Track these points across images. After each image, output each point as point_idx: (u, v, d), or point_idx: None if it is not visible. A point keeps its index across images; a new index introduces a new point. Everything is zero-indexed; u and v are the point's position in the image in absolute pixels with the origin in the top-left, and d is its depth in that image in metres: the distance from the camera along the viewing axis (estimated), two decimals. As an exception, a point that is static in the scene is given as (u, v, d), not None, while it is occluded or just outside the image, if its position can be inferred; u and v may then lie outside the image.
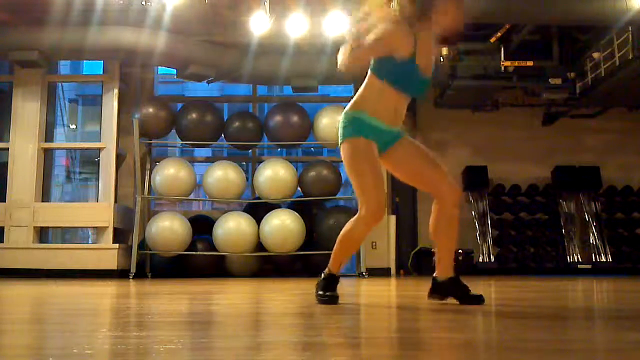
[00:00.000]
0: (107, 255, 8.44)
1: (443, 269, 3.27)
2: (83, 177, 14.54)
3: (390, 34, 3.08)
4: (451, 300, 3.25)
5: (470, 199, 10.16)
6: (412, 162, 3.32)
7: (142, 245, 8.58)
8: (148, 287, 5.94)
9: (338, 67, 3.18)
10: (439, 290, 3.29)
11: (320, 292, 3.35)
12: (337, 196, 9.29)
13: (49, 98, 9.31)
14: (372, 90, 3.22)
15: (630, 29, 7.81)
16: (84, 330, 2.35)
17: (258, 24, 7.99)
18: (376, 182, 3.18)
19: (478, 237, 9.95)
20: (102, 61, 9.27)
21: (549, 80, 8.93)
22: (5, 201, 8.68)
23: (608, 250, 9.85)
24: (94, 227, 9.30)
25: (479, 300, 3.19)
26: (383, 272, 9.23)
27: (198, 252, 8.63)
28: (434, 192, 3.26)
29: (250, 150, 9.91)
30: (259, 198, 9.13)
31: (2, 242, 8.55)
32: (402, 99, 3.23)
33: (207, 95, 11.36)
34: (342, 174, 9.49)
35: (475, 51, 8.86)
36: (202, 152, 13.55)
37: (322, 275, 3.40)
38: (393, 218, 9.60)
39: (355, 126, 3.24)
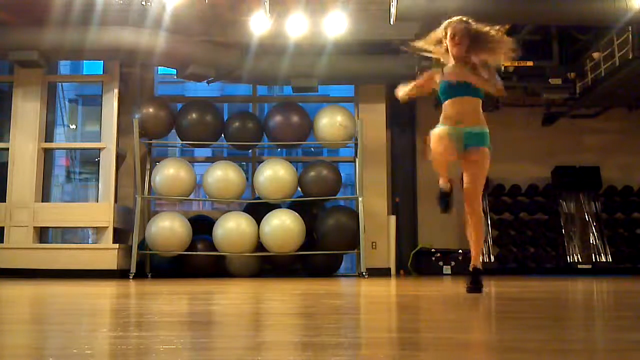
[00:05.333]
0: (107, 255, 8.44)
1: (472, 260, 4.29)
2: (83, 177, 14.52)
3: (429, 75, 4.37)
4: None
5: (470, 199, 10.14)
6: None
7: (142, 245, 8.58)
8: (148, 287, 5.94)
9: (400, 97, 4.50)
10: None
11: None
12: (337, 196, 9.29)
13: (49, 98, 9.31)
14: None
15: (630, 29, 7.80)
16: (84, 330, 2.35)
17: (258, 24, 7.99)
18: None
19: (478, 237, 9.93)
20: (102, 61, 9.26)
21: (549, 80, 8.93)
22: (5, 201, 8.68)
23: (608, 250, 9.85)
24: (94, 227, 9.30)
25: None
26: (383, 272, 9.23)
27: (198, 252, 8.63)
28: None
29: (250, 150, 9.90)
30: (259, 198, 9.13)
31: (2, 242, 8.55)
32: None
33: (207, 95, 11.35)
34: (342, 174, 9.50)
35: (475, 51, 8.85)
36: (202, 152, 13.54)
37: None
38: (393, 218, 9.60)
39: None
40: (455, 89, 4.18)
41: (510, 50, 4.16)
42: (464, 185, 4.28)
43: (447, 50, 4.20)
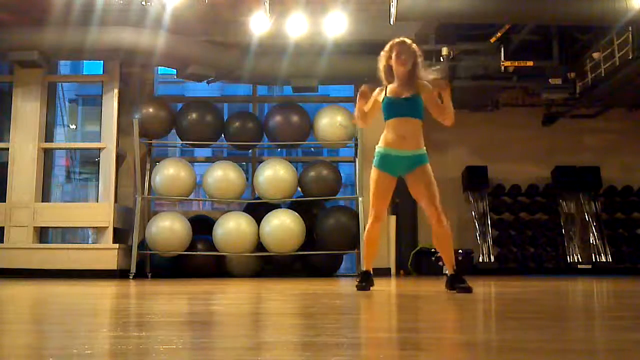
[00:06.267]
0: (107, 255, 8.43)
1: (449, 267, 4.47)
2: (83, 177, 14.54)
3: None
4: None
5: (470, 199, 10.15)
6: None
7: (142, 245, 8.58)
8: (148, 287, 5.94)
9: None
10: (448, 283, 4.40)
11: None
12: (337, 196, 9.28)
13: (49, 98, 9.30)
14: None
15: (630, 29, 7.80)
16: (84, 330, 2.35)
17: (258, 24, 7.98)
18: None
19: (478, 237, 9.94)
20: (102, 61, 9.26)
21: (549, 80, 8.92)
22: (5, 201, 8.67)
23: (608, 250, 9.85)
24: (94, 227, 9.29)
25: (468, 290, 4.19)
26: (383, 272, 9.22)
27: (198, 252, 8.63)
28: (426, 214, 4.51)
29: (250, 150, 9.90)
30: (259, 198, 9.13)
31: (2, 242, 8.54)
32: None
33: (207, 95, 11.36)
34: (342, 174, 9.49)
35: (475, 51, 8.85)
36: (202, 152, 13.56)
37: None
38: (393, 218, 9.59)
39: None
40: (399, 108, 4.37)
41: (443, 82, 4.46)
42: (427, 212, 4.47)
43: (389, 71, 4.41)
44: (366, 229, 4.70)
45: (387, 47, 4.44)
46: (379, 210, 4.62)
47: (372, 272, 4.74)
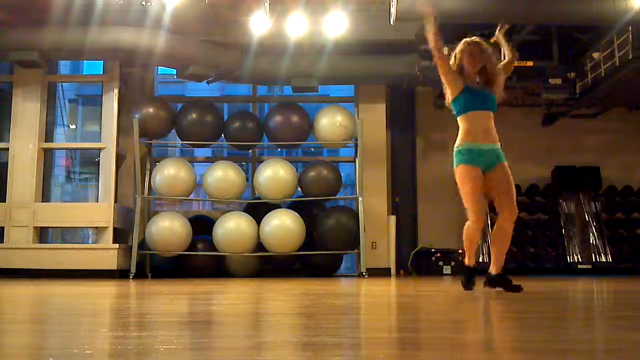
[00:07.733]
0: (107, 255, 8.44)
1: (496, 267, 4.38)
2: (83, 177, 14.52)
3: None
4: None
5: (470, 199, 10.13)
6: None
7: (142, 245, 8.58)
8: (148, 287, 5.94)
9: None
10: (492, 282, 4.36)
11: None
12: (337, 196, 9.28)
13: (49, 98, 9.31)
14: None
15: (630, 29, 7.80)
16: (84, 330, 2.35)
17: (258, 24, 7.99)
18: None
19: (478, 237, 9.93)
20: (102, 61, 9.26)
21: (549, 80, 8.92)
22: (5, 201, 8.68)
23: (608, 250, 9.84)
24: (94, 227, 9.29)
25: (518, 288, 4.20)
26: (383, 272, 9.23)
27: (198, 252, 8.63)
28: (498, 210, 4.48)
29: (250, 150, 9.90)
30: (259, 198, 9.13)
31: (2, 242, 8.55)
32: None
33: (207, 95, 11.35)
34: (342, 174, 9.50)
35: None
36: (202, 152, 13.53)
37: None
38: (393, 218, 9.59)
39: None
40: (480, 101, 4.38)
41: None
42: (505, 208, 4.46)
43: (460, 69, 4.39)
44: (467, 228, 4.57)
45: (459, 47, 4.40)
46: (480, 209, 4.49)
47: (476, 267, 4.59)
